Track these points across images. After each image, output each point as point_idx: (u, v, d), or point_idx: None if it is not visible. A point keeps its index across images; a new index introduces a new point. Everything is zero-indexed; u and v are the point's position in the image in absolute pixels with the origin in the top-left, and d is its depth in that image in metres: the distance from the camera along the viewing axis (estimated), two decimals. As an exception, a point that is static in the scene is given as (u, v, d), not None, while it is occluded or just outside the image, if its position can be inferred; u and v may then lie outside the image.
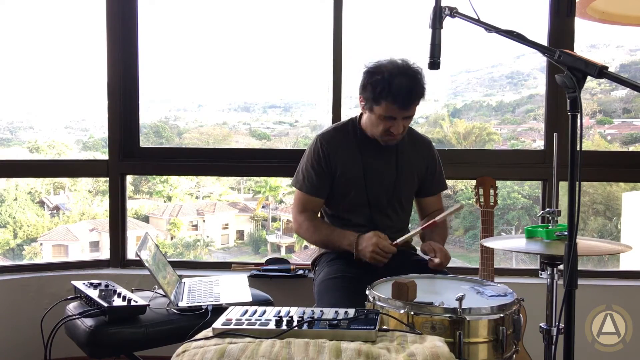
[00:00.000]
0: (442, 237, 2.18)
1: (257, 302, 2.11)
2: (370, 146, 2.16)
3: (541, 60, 3.21)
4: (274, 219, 4.87)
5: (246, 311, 1.46)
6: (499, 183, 2.59)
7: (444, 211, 2.27)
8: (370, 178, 2.15)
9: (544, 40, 2.73)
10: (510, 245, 1.81)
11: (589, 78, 1.31)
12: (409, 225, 2.34)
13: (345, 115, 2.75)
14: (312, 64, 3.29)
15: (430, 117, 3.74)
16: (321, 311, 1.44)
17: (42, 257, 4.31)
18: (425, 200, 2.31)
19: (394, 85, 1.95)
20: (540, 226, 1.75)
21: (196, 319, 1.89)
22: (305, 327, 1.34)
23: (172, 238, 4.77)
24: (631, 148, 3.52)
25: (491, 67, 3.90)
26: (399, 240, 1.97)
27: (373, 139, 2.15)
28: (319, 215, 2.27)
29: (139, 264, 2.79)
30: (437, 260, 1.95)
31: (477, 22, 1.50)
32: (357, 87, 2.10)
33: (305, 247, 4.78)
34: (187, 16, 3.35)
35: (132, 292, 2.08)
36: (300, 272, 2.74)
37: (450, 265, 2.07)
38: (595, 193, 3.66)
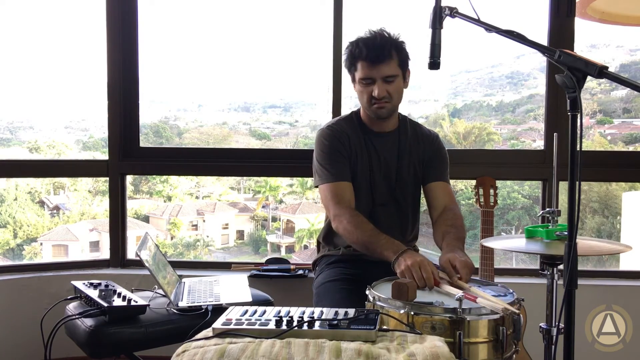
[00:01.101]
0: (460, 239, 1.99)
1: (257, 302, 2.11)
2: (373, 136, 2.16)
3: (541, 60, 3.21)
4: (274, 219, 4.88)
5: (246, 311, 1.46)
6: (499, 183, 2.59)
7: (455, 205, 2.16)
8: (375, 168, 2.14)
9: (544, 40, 2.73)
10: (510, 245, 1.81)
11: (589, 78, 1.31)
12: (417, 228, 2.26)
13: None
14: (312, 64, 3.29)
15: (430, 117, 3.74)
16: (321, 311, 1.44)
17: (42, 257, 4.32)
18: (431, 187, 2.19)
19: (363, 42, 2.02)
20: (540, 226, 1.74)
21: (196, 319, 1.89)
22: (305, 327, 1.33)
23: (172, 238, 4.78)
24: (631, 148, 3.53)
25: (491, 67, 3.90)
26: (442, 283, 1.68)
27: (376, 130, 2.14)
28: (354, 201, 2.07)
29: (139, 264, 2.79)
30: (465, 285, 1.67)
31: (477, 22, 1.50)
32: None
33: (305, 247, 4.78)
34: (187, 16, 3.35)
35: (132, 292, 2.08)
36: (300, 272, 2.74)
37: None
38: (591, 191, 3.66)
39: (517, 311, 1.49)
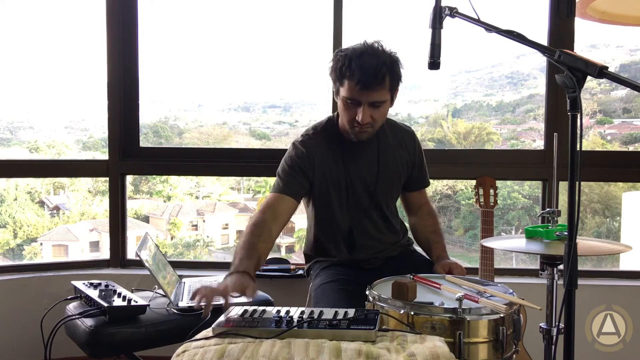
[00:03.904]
0: (444, 248, 2.12)
1: (257, 302, 2.11)
2: (350, 145, 2.05)
3: (541, 60, 3.21)
4: (274, 219, 4.85)
5: (246, 311, 1.46)
6: (499, 183, 2.59)
7: (429, 204, 2.25)
8: (351, 180, 2.05)
9: (544, 40, 2.73)
10: (510, 245, 1.81)
11: (589, 78, 1.31)
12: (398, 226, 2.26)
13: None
14: (312, 64, 3.29)
15: (430, 117, 3.74)
16: (321, 311, 1.44)
17: (42, 257, 4.31)
18: (411, 194, 2.24)
19: (355, 62, 1.83)
20: (540, 226, 1.74)
21: (196, 319, 1.89)
22: (305, 327, 1.34)
23: (172, 238, 4.77)
24: (631, 148, 3.52)
25: (491, 67, 3.90)
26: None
27: (354, 139, 2.03)
28: (284, 221, 2.00)
29: (139, 264, 2.79)
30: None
31: (477, 22, 1.50)
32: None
33: (305, 247, 4.77)
34: (187, 16, 3.35)
35: (132, 292, 2.09)
36: (300, 272, 2.75)
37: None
38: (592, 192, 3.66)
39: (537, 306, 1.48)
